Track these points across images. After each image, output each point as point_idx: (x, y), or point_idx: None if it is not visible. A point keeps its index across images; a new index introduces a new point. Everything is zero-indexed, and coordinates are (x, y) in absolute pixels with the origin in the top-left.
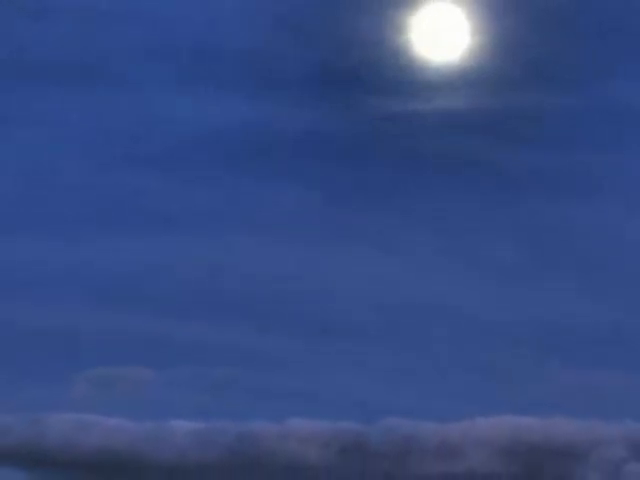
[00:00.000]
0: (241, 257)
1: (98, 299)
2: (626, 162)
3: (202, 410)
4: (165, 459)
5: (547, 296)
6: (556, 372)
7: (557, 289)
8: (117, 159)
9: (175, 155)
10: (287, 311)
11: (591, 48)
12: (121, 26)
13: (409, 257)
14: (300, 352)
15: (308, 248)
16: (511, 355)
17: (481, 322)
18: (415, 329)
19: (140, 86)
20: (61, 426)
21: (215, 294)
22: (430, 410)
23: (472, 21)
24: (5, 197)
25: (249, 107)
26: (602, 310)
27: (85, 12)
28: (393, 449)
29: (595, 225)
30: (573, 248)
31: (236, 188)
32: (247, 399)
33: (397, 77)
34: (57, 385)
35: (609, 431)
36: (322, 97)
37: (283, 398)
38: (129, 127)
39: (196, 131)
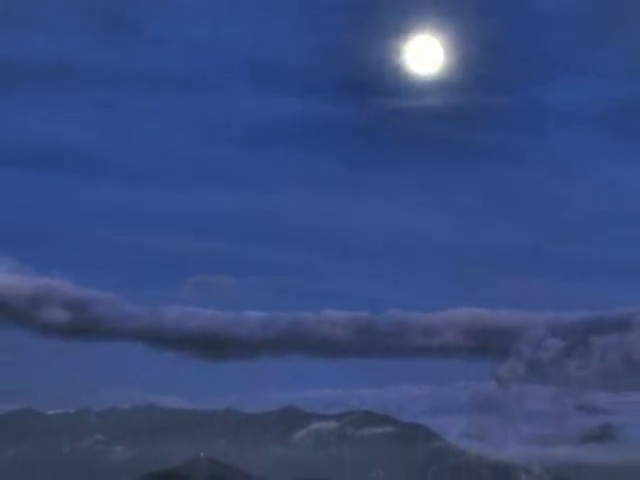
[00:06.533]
0: (292, 203)
1: (197, 230)
2: (548, 143)
3: (266, 304)
4: (241, 336)
5: (493, 229)
6: (500, 278)
7: (500, 224)
8: (208, 139)
9: (246, 136)
10: (322, 238)
11: (525, 65)
12: (211, 49)
13: (403, 203)
14: (331, 265)
15: (336, 197)
16: (470, 267)
17: (451, 246)
18: (407, 250)
19: (224, 89)
20: (173, 315)
21: (275, 228)
22: (417, 304)
23: (446, 47)
24: (135, 164)
25: (297, 104)
26: (530, 238)
27: (187, 40)
28: (393, 330)
29: (526, 183)
30: (512, 197)
31: (288, 157)
32: (296, 297)
33: (396, 84)
34: (171, 286)
35: (535, 318)
36: (346, 97)
37: (320, 296)
38: (217, 117)
39: (261, 119)
